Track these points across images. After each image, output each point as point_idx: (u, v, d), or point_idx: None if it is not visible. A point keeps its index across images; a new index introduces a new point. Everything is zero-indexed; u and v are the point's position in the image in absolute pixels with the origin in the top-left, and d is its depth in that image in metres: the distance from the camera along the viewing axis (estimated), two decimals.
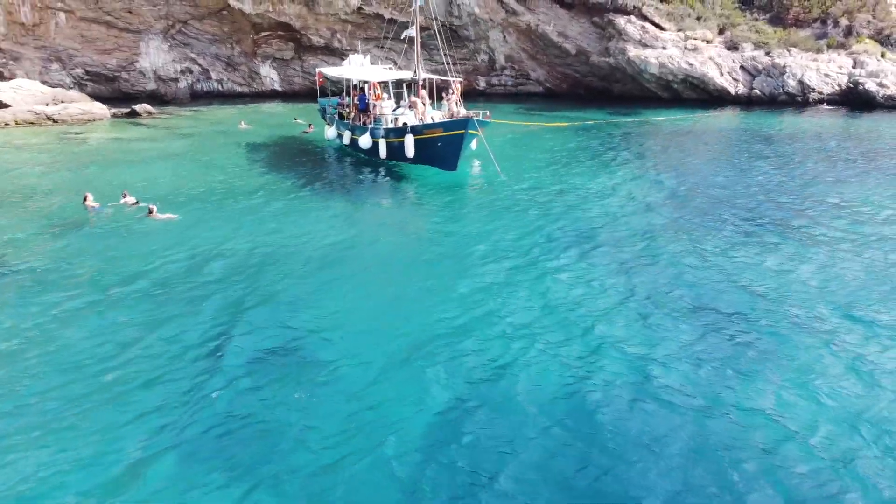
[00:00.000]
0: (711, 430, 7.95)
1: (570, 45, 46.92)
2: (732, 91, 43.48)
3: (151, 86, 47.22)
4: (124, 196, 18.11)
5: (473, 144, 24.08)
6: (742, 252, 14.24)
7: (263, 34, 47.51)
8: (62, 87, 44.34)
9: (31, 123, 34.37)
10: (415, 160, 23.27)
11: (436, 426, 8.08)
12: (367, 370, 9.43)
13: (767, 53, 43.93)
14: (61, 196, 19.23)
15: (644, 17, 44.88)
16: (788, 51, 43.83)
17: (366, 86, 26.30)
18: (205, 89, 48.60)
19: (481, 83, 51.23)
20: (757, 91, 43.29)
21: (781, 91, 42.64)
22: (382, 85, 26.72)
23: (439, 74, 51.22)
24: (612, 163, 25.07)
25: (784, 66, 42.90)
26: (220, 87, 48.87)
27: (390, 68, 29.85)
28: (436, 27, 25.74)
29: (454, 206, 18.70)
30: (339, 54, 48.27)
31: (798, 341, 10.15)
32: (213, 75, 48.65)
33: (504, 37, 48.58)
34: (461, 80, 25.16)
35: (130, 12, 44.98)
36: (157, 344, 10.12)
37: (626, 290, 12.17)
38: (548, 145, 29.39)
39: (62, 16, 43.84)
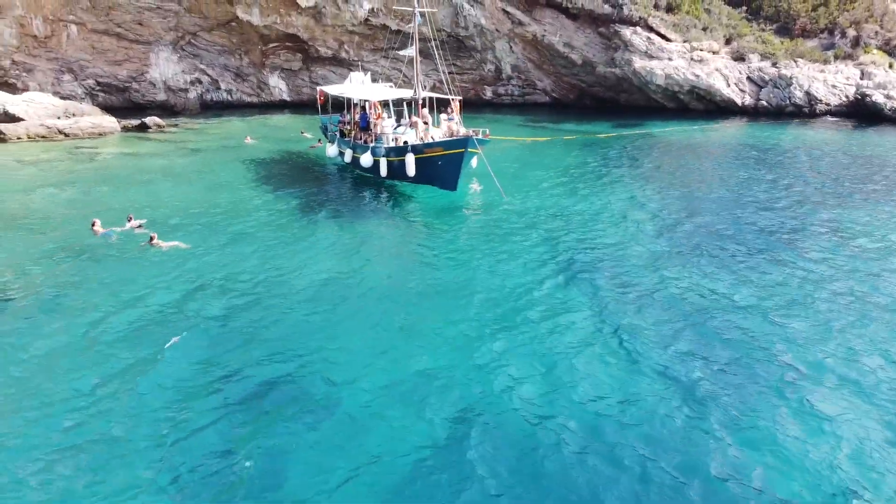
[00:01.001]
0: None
1: (577, 55, 47.04)
2: (739, 102, 43.46)
3: (162, 96, 47.78)
4: (129, 220, 18.48)
5: (474, 162, 24.34)
6: (740, 287, 14.38)
7: (272, 45, 47.95)
8: (74, 97, 45.02)
9: (44, 137, 34.93)
10: (415, 179, 23.55)
11: (436, 466, 8.35)
12: (363, 403, 9.81)
13: (774, 64, 43.87)
14: (70, 219, 19.61)
15: (650, 28, 44.93)
16: (795, 62, 43.74)
17: (367, 104, 26.58)
18: (214, 100, 49.12)
19: (488, 93, 51.45)
20: (764, 102, 43.24)
21: (788, 102, 42.57)
22: (383, 103, 27.00)
23: (448, 82, 51.61)
24: (615, 181, 25.23)
25: (791, 78, 42.83)
26: (229, 98, 49.37)
27: (391, 86, 30.14)
28: (435, 45, 25.88)
29: (454, 231, 18.91)
30: (346, 65, 48.66)
31: (793, 388, 10.33)
32: (223, 86, 49.17)
33: (510, 47, 48.77)
34: (460, 98, 25.39)
35: (140, 24, 45.54)
36: (149, 378, 10.43)
37: (617, 326, 12.37)
38: (551, 161, 29.55)
39: (74, 28, 44.46)
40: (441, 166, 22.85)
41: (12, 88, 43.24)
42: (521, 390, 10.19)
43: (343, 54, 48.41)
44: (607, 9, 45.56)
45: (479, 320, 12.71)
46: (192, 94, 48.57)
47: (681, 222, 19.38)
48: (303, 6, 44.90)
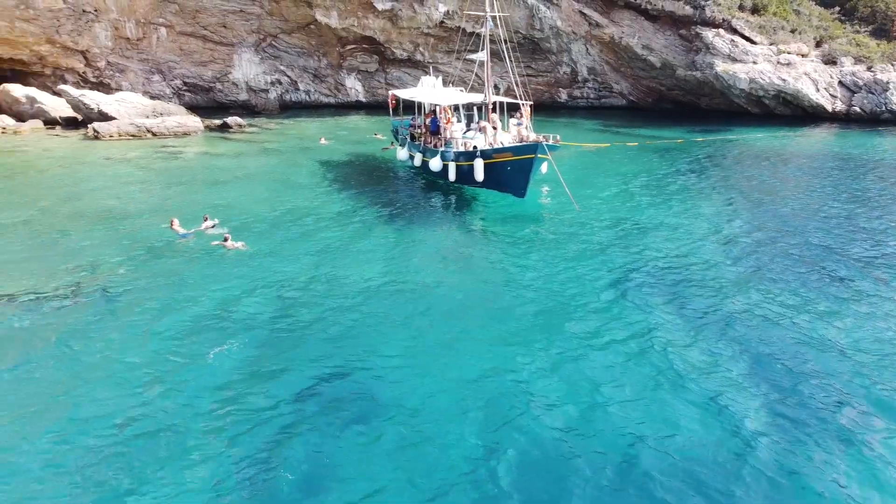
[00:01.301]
0: None
1: (655, 57, 45.84)
2: (829, 108, 41.36)
3: (243, 96, 49.40)
4: (205, 220, 19.12)
5: (544, 168, 24.02)
6: (815, 318, 13.62)
7: (349, 47, 48.82)
8: (163, 97, 47.15)
9: (133, 136, 36.68)
10: (484, 185, 23.45)
11: (471, 482, 8.27)
12: (410, 412, 9.83)
13: (869, 68, 41.52)
14: (149, 217, 20.47)
15: (734, 31, 43.31)
16: (893, 65, 41.26)
17: (437, 108, 26.63)
18: (293, 100, 50.43)
19: (563, 96, 50.81)
20: (857, 108, 41.00)
21: (884, 109, 40.21)
22: (453, 108, 26.99)
23: (519, 86, 51.24)
24: (690, 191, 24.43)
25: (888, 83, 40.44)
26: (307, 98, 50.57)
27: (461, 90, 30.11)
28: (505, 49, 25.66)
29: (518, 240, 18.71)
30: (421, 67, 49.03)
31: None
32: (301, 86, 50.40)
33: (587, 49, 47.99)
34: (531, 103, 25.12)
35: (225, 27, 47.22)
36: (201, 377, 10.72)
37: (673, 348, 11.94)
38: (625, 167, 28.90)
39: (163, 30, 46.52)
40: (510, 172, 22.66)
41: (106, 88, 45.67)
42: (566, 409, 9.94)
43: (418, 56, 48.78)
44: (688, 10, 44.21)
45: (532, 333, 12.52)
46: (273, 95, 50.00)
47: (757, 240, 18.48)
48: (379, 9, 45.50)
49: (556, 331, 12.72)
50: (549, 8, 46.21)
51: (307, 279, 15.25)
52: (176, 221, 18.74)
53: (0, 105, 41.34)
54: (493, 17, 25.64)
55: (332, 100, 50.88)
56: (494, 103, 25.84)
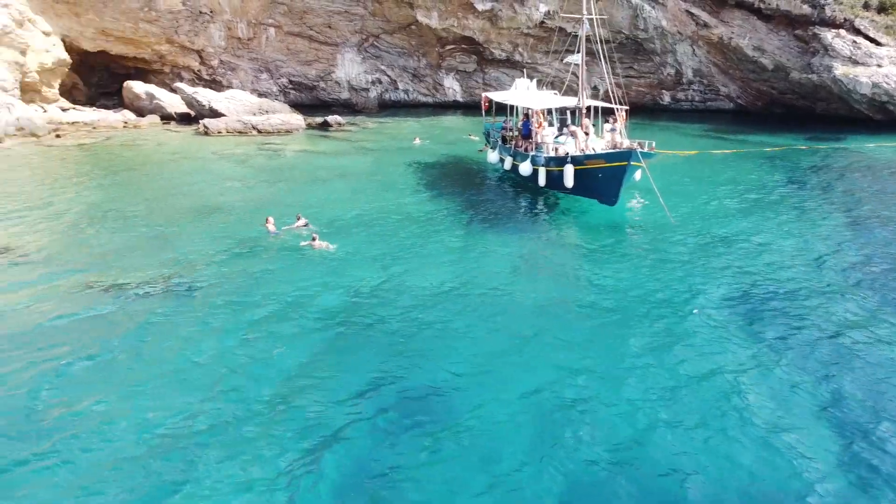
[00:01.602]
0: None
1: (767, 59, 43.48)
2: None
3: (345, 95, 50.74)
4: (298, 219, 19.76)
5: (637, 176, 23.28)
6: None
7: (448, 47, 49.14)
8: (269, 94, 49.17)
9: (240, 132, 38.47)
10: (574, 191, 23.02)
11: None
12: (490, 426, 9.82)
13: None
14: (246, 214, 21.36)
15: (856, 31, 40.40)
16: None
17: (529, 111, 26.31)
18: (392, 99, 51.34)
19: (665, 98, 49.16)
20: None
21: None
22: (545, 112, 26.59)
23: (619, 88, 49.88)
24: (799, 205, 22.99)
25: None
26: (406, 97, 51.36)
27: (555, 93, 29.63)
28: (602, 52, 24.99)
29: (606, 251, 18.23)
30: (519, 67, 48.66)
31: None
32: (401, 86, 51.22)
33: (693, 50, 46.16)
34: (627, 108, 24.39)
35: (330, 27, 48.62)
36: (276, 378, 11.06)
37: (772, 381, 11.24)
38: (728, 176, 27.56)
39: (272, 31, 48.44)
40: (601, 179, 22.13)
41: (218, 85, 48.08)
42: (623, 431, 9.63)
43: (517, 57, 48.48)
44: (806, 9, 41.60)
45: (600, 349, 12.21)
46: (373, 94, 51.09)
47: (861, 267, 16.88)
48: (479, 9, 45.54)
49: (624, 348, 12.34)
50: (654, 8, 44.73)
51: (384, 282, 15.48)
52: (271, 220, 19.47)
53: (123, 100, 44.43)
54: (591, 20, 25.08)
55: (429, 99, 51.42)
56: (588, 107, 25.29)
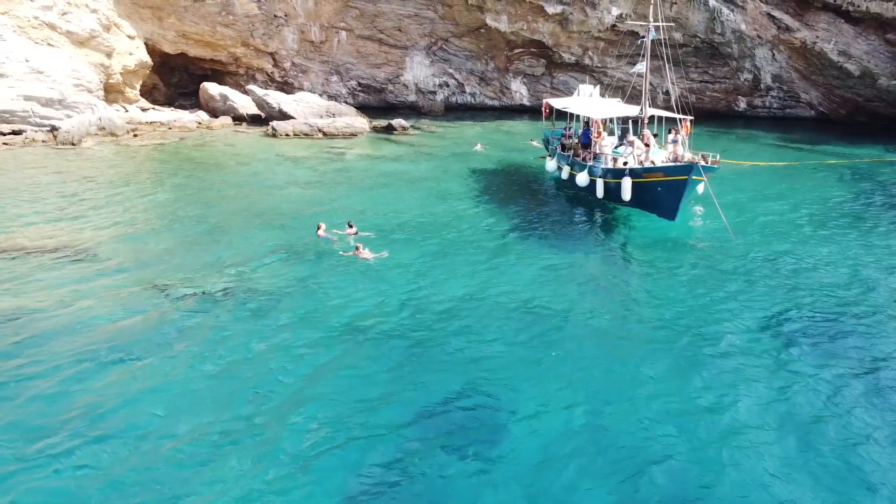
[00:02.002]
0: None
1: (854, 65, 41.20)
2: None
3: (412, 98, 51.05)
4: (349, 226, 19.92)
5: (700, 188, 22.41)
6: None
7: (516, 51, 48.73)
8: (339, 96, 50.01)
9: (306, 135, 39.24)
10: (632, 204, 22.37)
11: None
12: (537, 447, 9.75)
13: None
14: (303, 218, 21.66)
15: None
16: None
17: (590, 120, 25.69)
18: (459, 102, 51.31)
19: (741, 104, 47.30)
20: None
21: None
22: (607, 121, 25.92)
23: (694, 93, 48.36)
24: (879, 225, 21.65)
25: None
26: (472, 101, 51.22)
27: (619, 101, 28.84)
28: (667, 56, 24.19)
29: (665, 269, 17.56)
30: (588, 71, 47.83)
31: None
32: (468, 89, 51.14)
33: (773, 55, 44.19)
34: (691, 118, 23.52)
35: (400, 30, 48.99)
36: (319, 388, 11.14)
37: (843, 422, 10.53)
38: (802, 191, 26.22)
39: (343, 34, 49.19)
40: (660, 193, 21.42)
41: (290, 87, 49.23)
42: (682, 462, 9.35)
43: (586, 60, 47.60)
44: None
45: (659, 373, 11.83)
46: (440, 97, 51.20)
47: None
48: (549, 13, 44.94)
49: (683, 373, 11.98)
50: (732, 11, 43.07)
51: (433, 294, 15.45)
52: (322, 227, 19.71)
53: (199, 101, 46.09)
54: (657, 26, 24.32)
55: (496, 103, 51.12)
56: (651, 117, 24.52)
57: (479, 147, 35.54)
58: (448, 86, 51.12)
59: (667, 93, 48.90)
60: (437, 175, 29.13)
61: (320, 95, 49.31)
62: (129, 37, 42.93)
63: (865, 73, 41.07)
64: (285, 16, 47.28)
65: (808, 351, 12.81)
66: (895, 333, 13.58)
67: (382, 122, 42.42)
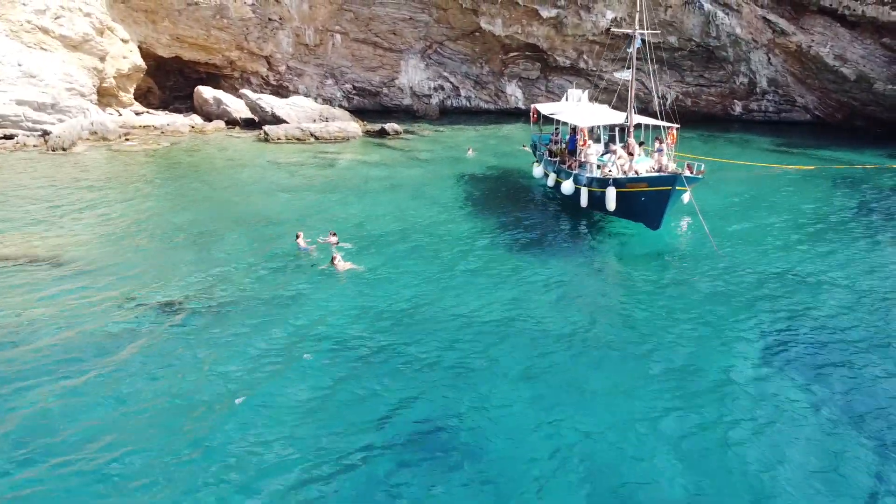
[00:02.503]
0: None
1: (849, 69, 40.93)
2: None
3: (408, 101, 50.96)
4: (331, 235, 19.78)
5: (686, 197, 22.25)
6: None
7: (512, 54, 48.58)
8: (334, 100, 49.94)
9: (298, 139, 39.18)
10: (616, 213, 22.22)
11: None
12: (512, 468, 9.64)
13: None
14: (285, 226, 21.55)
15: None
16: None
17: (576, 127, 25.52)
18: (454, 105, 51.18)
19: (737, 108, 47.07)
20: None
21: None
22: (593, 128, 25.72)
23: (690, 97, 48.13)
24: (871, 234, 21.40)
25: None
26: (468, 104, 51.10)
27: (607, 107, 28.63)
28: (650, 69, 24.06)
29: (646, 282, 17.30)
30: (584, 75, 47.61)
31: None
32: (463, 92, 51.02)
33: (768, 58, 43.96)
34: (677, 126, 23.36)
35: (395, 34, 48.90)
36: (286, 405, 11.03)
37: (828, 449, 10.31)
38: (789, 198, 26.02)
39: (338, 37, 49.11)
40: (644, 203, 21.26)
41: (286, 90, 49.17)
42: (660, 489, 9.14)
43: (581, 64, 47.44)
44: None
45: (651, 397, 11.61)
46: (435, 100, 51.10)
47: None
48: (544, 17, 44.80)
49: (677, 394, 11.71)
50: (728, 14, 42.84)
51: (410, 306, 15.37)
52: (301, 235, 19.62)
53: (194, 105, 46.08)
54: (643, 36, 24.18)
55: (491, 106, 50.99)
56: (637, 124, 24.35)
57: (470, 152, 35.40)
58: (443, 89, 51.01)
59: (663, 97, 48.79)
60: (426, 181, 29.00)
61: (315, 99, 49.30)
62: (122, 40, 42.91)
63: (861, 78, 40.80)
64: (280, 19, 47.20)
65: (788, 373, 12.56)
66: (880, 360, 13.32)
67: (375, 127, 42.32)
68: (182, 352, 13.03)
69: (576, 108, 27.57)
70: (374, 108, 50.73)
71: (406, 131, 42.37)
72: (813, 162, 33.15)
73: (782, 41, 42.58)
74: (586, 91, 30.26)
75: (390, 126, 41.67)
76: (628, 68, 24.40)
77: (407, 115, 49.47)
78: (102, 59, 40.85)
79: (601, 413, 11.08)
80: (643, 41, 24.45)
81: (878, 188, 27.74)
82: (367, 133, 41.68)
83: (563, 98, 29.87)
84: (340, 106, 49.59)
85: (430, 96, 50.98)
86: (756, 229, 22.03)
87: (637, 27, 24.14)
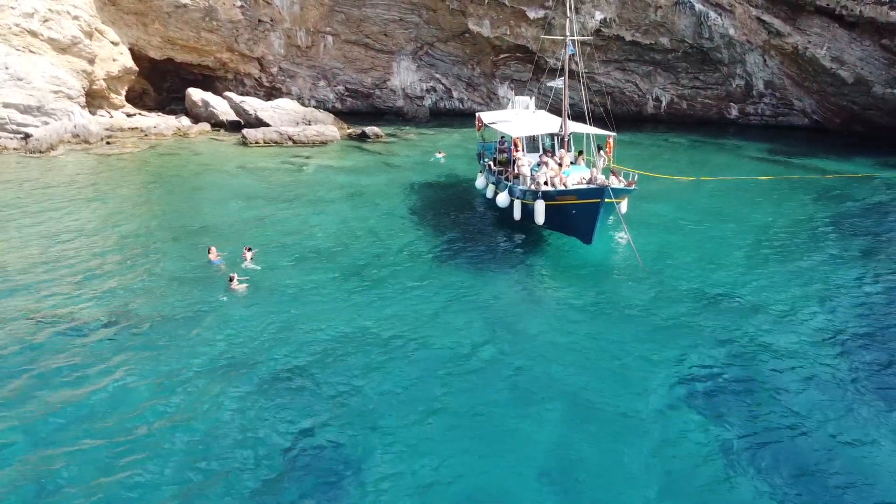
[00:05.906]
0: None
1: (847, 72, 39.31)
2: None
3: (400, 103, 50.71)
4: (246, 250, 19.45)
5: (623, 208, 21.50)
6: None
7: (502, 56, 47.96)
8: (327, 101, 49.99)
9: (276, 143, 39.21)
10: (548, 227, 21.63)
11: None
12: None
13: None
14: (221, 238, 21.23)
15: None
16: None
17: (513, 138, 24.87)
18: (447, 107, 50.77)
19: (733, 111, 45.67)
20: None
21: None
22: (529, 139, 25.03)
23: (685, 100, 46.86)
24: (843, 253, 20.35)
25: None
26: (460, 106, 50.62)
27: (548, 114, 27.83)
28: (583, 85, 23.50)
29: (572, 303, 16.67)
30: (576, 77, 46.64)
31: None
32: (455, 94, 50.57)
33: (764, 60, 42.47)
34: (614, 134, 22.64)
35: (386, 35, 48.66)
36: (182, 429, 10.90)
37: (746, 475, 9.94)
38: (755, 211, 24.89)
39: (330, 39, 49.08)
40: (574, 216, 20.60)
41: (279, 92, 49.39)
42: None
43: (572, 65, 46.39)
44: (895, 17, 37.19)
45: (564, 429, 11.26)
46: (427, 102, 50.76)
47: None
48: (531, 18, 44.06)
49: (593, 426, 11.31)
50: (720, 15, 41.48)
51: (324, 326, 15.17)
52: (213, 250, 19.45)
53: (185, 107, 46.56)
54: (574, 42, 23.56)
55: (484, 108, 50.33)
56: (570, 135, 23.64)
57: (440, 155, 35.00)
58: (435, 91, 50.63)
59: (657, 99, 47.69)
60: (385, 189, 28.60)
61: (308, 100, 49.45)
62: (112, 43, 43.51)
63: (859, 81, 39.14)
64: (271, 21, 47.36)
65: (699, 407, 11.99)
66: (821, 386, 12.53)
67: (357, 130, 42.13)
68: (72, 376, 12.90)
69: (517, 117, 26.91)
70: (367, 110, 50.63)
71: (389, 134, 42.11)
72: (797, 172, 31.88)
73: (777, 42, 41.07)
74: (533, 98, 29.55)
75: (371, 129, 41.45)
76: (561, 76, 23.76)
77: (398, 117, 49.23)
78: (91, 61, 41.45)
79: (488, 446, 10.80)
80: (574, 49, 23.85)
81: (862, 197, 26.57)
82: (349, 136, 41.55)
83: (509, 105, 29.19)
84: (334, 107, 49.64)
85: (422, 98, 50.65)
86: (705, 246, 21.04)
87: (568, 33, 23.49)
